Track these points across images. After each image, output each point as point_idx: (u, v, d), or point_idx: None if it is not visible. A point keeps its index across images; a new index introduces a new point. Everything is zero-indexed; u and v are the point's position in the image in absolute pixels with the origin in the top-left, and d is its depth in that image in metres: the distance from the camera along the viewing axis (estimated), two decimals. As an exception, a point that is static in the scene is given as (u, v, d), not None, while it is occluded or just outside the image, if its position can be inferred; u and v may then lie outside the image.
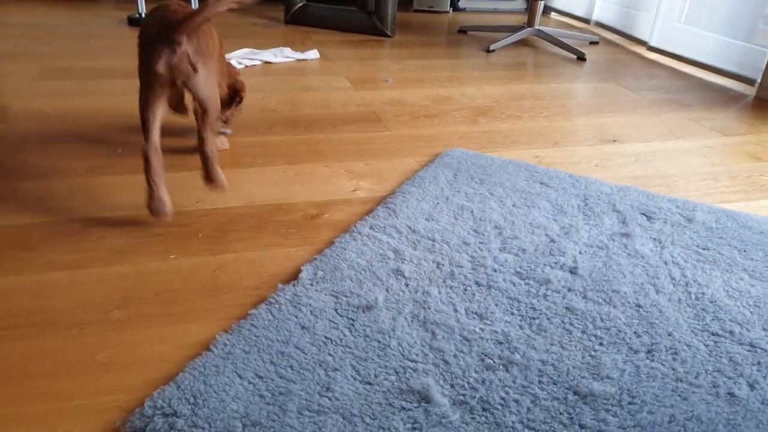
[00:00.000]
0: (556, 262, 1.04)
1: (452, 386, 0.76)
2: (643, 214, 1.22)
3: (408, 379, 0.77)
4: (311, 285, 0.94)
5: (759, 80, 2.20)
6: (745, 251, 1.10)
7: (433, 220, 1.15)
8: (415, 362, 0.80)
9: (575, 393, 0.76)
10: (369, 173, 1.37)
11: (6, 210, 1.11)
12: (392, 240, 1.07)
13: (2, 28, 2.45)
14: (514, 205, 1.23)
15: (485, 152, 1.51)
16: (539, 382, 0.78)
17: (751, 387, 0.79)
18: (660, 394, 0.77)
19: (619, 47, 2.87)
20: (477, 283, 0.97)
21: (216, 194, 1.22)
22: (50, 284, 0.92)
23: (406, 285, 0.95)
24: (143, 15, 2.62)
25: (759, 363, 0.83)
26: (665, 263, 1.05)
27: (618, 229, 1.15)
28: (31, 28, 2.48)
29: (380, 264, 1.00)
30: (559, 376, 0.79)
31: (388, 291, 0.93)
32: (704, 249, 1.10)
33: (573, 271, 1.01)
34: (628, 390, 0.77)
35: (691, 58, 2.58)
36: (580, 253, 1.07)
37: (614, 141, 1.65)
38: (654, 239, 1.13)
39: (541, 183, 1.33)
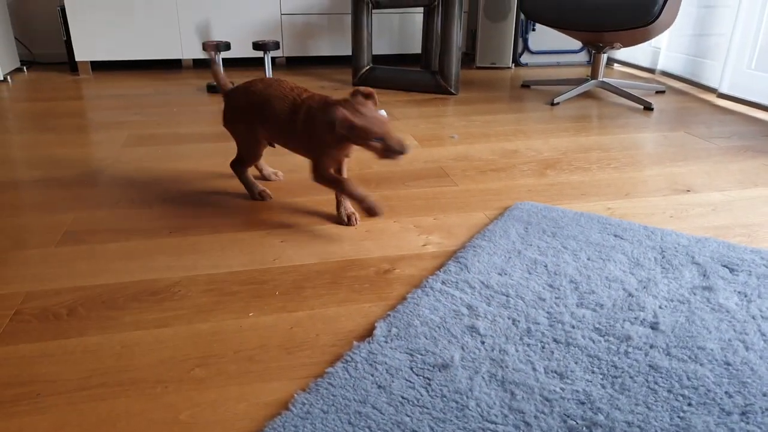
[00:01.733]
0: (636, 318, 1.01)
1: (534, 448, 0.75)
2: (725, 266, 1.17)
3: (488, 440, 0.76)
4: (386, 342, 0.95)
5: (843, 124, 2.10)
6: None
7: (506, 274, 1.15)
8: (495, 423, 0.79)
9: (664, 456, 0.73)
10: (438, 228, 1.39)
11: (97, 270, 1.20)
12: (465, 295, 1.07)
13: (96, 100, 2.69)
14: (588, 259, 1.21)
15: (555, 204, 1.51)
16: None
17: None
18: (757, 459, 0.73)
19: (687, 95, 2.82)
20: (555, 340, 0.95)
21: (294, 251, 1.27)
22: (135, 343, 0.97)
23: (482, 342, 0.95)
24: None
25: None
26: (753, 318, 1.00)
27: (699, 283, 1.11)
28: (121, 99, 2.71)
29: (454, 320, 1.00)
30: None
31: (463, 349, 0.93)
32: None
33: (654, 327, 0.98)
34: (721, 455, 0.73)
35: (764, 104, 2.50)
36: (660, 307, 1.04)
37: (688, 191, 1.61)
38: (739, 292, 1.08)
39: (615, 235, 1.31)
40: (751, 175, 1.72)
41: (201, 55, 3.29)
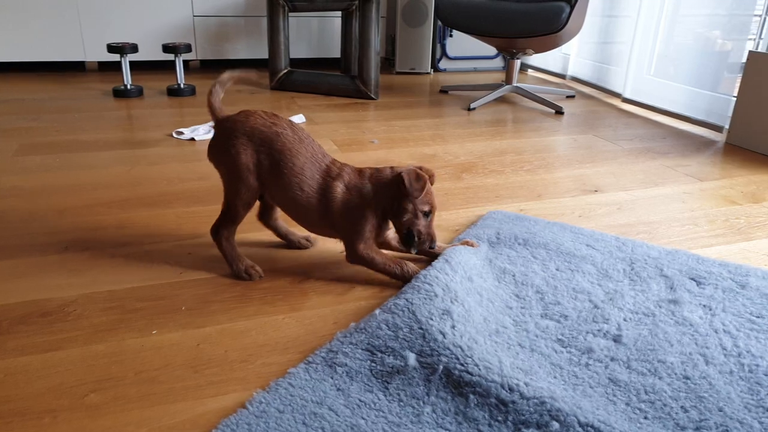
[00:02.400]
0: (599, 330, 1.00)
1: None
2: (693, 279, 1.17)
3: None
4: (345, 337, 0.94)
5: (727, 127, 2.26)
6: None
7: (482, 278, 1.14)
8: (449, 431, 0.78)
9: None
10: (355, 235, 1.36)
11: (-15, 289, 1.09)
12: (446, 277, 1.08)
13: (-12, 105, 2.48)
14: (557, 269, 1.20)
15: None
16: None
17: None
18: (711, 477, 0.72)
19: (595, 100, 2.95)
20: (520, 344, 0.95)
21: (202, 263, 1.20)
22: (20, 370, 0.88)
23: (453, 326, 0.94)
24: (128, 87, 2.67)
25: None
26: (716, 331, 1.00)
27: (665, 295, 1.11)
28: (16, 103, 2.52)
29: (425, 305, 0.99)
30: None
31: (425, 338, 0.92)
32: (758, 317, 1.04)
33: (617, 339, 0.97)
34: (673, 471, 0.72)
35: (663, 108, 2.66)
36: (625, 320, 1.03)
37: (596, 191, 1.67)
38: (704, 306, 1.08)
39: (587, 245, 1.30)
40: (652, 175, 1.81)
41: (106, 57, 3.12)
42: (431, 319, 0.95)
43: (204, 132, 2.11)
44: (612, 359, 0.92)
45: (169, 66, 3.43)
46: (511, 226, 1.39)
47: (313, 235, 1.30)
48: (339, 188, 1.12)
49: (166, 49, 2.66)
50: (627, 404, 0.83)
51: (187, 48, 2.69)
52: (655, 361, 0.93)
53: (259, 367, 0.90)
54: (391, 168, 1.15)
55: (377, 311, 1.00)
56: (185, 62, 3.44)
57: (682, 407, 0.83)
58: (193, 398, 0.84)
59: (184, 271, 1.18)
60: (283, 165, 1.11)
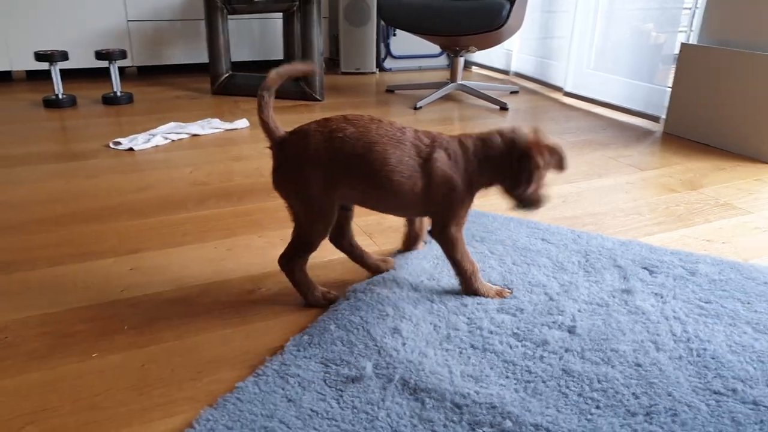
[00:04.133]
0: (554, 322, 1.01)
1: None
2: (645, 268, 1.20)
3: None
4: (298, 352, 0.92)
5: (664, 117, 2.34)
6: (748, 303, 1.07)
7: (434, 280, 1.14)
8: None
9: (568, 460, 0.72)
10: (305, 241, 1.33)
11: None
12: (393, 294, 1.08)
13: None
14: (513, 263, 1.21)
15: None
16: None
17: None
18: (659, 460, 0.73)
19: (538, 94, 3.00)
20: (473, 346, 0.94)
21: (145, 279, 1.15)
22: (-45, 401, 0.83)
23: (404, 344, 0.93)
24: (60, 96, 2.55)
25: (762, 422, 0.79)
26: (666, 319, 1.03)
27: (619, 285, 1.13)
28: (-62, 118, 2.37)
29: (377, 321, 0.98)
30: None
31: (380, 353, 0.92)
32: (707, 302, 1.08)
33: (571, 331, 0.98)
34: (625, 456, 0.73)
35: (602, 100, 2.73)
36: (579, 311, 1.04)
37: (544, 186, 1.69)
38: (655, 294, 1.11)
39: (543, 239, 1.31)
40: (595, 166, 1.85)
41: (35, 65, 2.97)
42: (385, 338, 0.95)
43: (143, 141, 2.03)
44: (566, 350, 0.94)
45: (104, 73, 3.30)
46: (469, 223, 1.39)
47: (390, 258, 1.20)
48: (438, 166, 0.99)
49: (99, 55, 2.56)
50: (579, 395, 0.84)
51: (122, 54, 2.59)
52: (608, 350, 0.94)
53: (208, 385, 0.86)
54: (500, 135, 1.02)
55: (332, 326, 0.98)
56: (121, 69, 3.32)
57: (633, 394, 0.84)
58: (139, 422, 0.79)
59: (126, 288, 1.12)
60: (361, 167, 0.97)
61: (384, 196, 1.00)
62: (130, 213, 1.47)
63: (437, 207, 1.02)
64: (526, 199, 1.04)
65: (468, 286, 1.08)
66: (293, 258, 1.05)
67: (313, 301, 1.07)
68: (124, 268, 1.19)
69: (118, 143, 2.01)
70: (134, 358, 0.92)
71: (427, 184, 0.99)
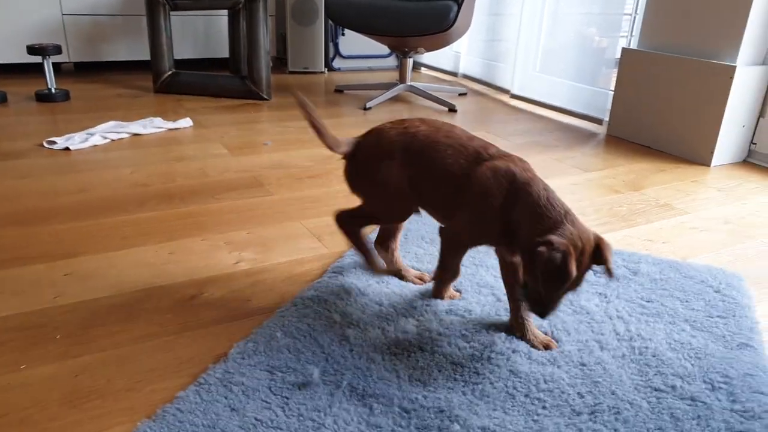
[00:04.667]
0: (502, 323, 1.01)
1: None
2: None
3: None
4: (242, 360, 0.89)
5: (606, 119, 2.41)
6: (687, 301, 1.10)
7: (383, 283, 1.12)
8: None
9: (516, 462, 0.72)
10: (252, 243, 1.30)
11: None
12: (341, 302, 1.05)
13: None
14: (462, 265, 1.18)
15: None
16: None
17: None
18: (602, 459, 0.74)
19: (485, 97, 3.04)
20: (421, 348, 0.93)
21: (80, 285, 1.09)
22: None
23: (351, 350, 0.92)
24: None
25: (699, 417, 0.81)
26: (610, 318, 1.04)
27: None
28: None
29: (324, 329, 0.94)
30: None
31: (327, 360, 0.89)
32: (648, 301, 1.10)
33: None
34: (570, 455, 0.74)
35: (548, 102, 2.78)
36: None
37: (492, 186, 1.71)
38: (600, 294, 1.12)
39: None
40: (542, 168, 1.88)
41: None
42: (332, 344, 0.93)
43: (80, 140, 1.94)
44: (513, 351, 0.94)
45: (38, 69, 3.14)
46: (418, 226, 1.39)
47: (427, 275, 1.16)
48: (482, 175, 0.92)
49: (32, 50, 2.43)
50: (526, 395, 0.85)
51: (57, 49, 2.47)
52: (554, 350, 0.95)
53: (148, 395, 0.82)
54: (527, 186, 0.89)
55: (279, 334, 0.95)
56: (56, 65, 3.17)
57: (578, 393, 0.85)
58: (72, 438, 0.75)
59: (60, 294, 1.06)
60: (421, 161, 0.97)
61: (434, 194, 0.99)
62: (66, 215, 1.39)
63: (463, 212, 0.96)
64: (530, 292, 0.87)
65: (437, 290, 1.08)
66: (355, 221, 1.07)
67: (377, 266, 1.08)
68: (57, 274, 1.13)
69: (53, 142, 1.91)
70: (67, 369, 0.87)
71: (463, 191, 0.94)
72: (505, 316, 1.03)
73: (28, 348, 0.91)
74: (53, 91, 2.51)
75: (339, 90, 3.05)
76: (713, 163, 1.98)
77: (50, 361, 0.89)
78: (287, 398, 0.81)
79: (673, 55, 2.05)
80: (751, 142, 2.03)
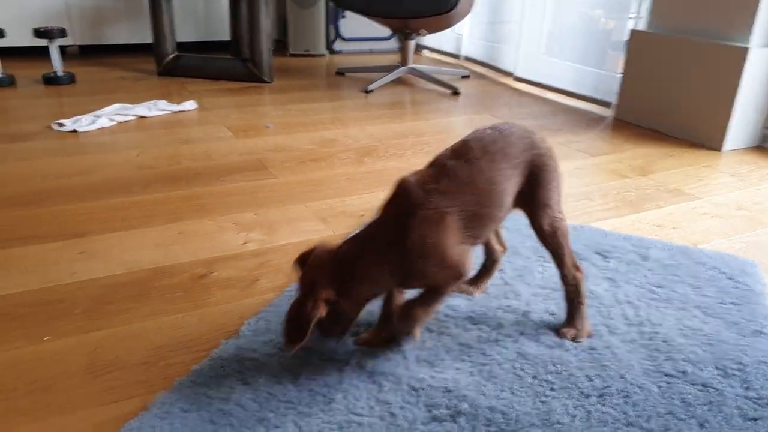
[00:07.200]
0: (509, 306, 1.02)
1: (398, 440, 0.74)
2: (598, 253, 1.20)
3: (352, 434, 0.74)
4: (254, 337, 0.91)
5: (614, 102, 2.40)
6: (698, 288, 1.09)
7: None
8: (361, 416, 0.77)
9: (524, 442, 0.74)
10: (258, 224, 1.33)
11: None
12: None
13: None
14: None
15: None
16: (486, 431, 0.76)
17: (701, 426, 0.77)
18: (611, 440, 0.75)
19: (488, 79, 3.04)
20: (428, 329, 0.95)
21: (95, 263, 1.13)
22: None
23: (357, 334, 0.93)
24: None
25: (710, 402, 0.81)
26: (619, 302, 1.04)
27: None
28: None
29: None
30: (507, 424, 0.77)
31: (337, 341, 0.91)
32: (659, 287, 1.09)
33: (526, 315, 1.00)
34: (578, 437, 0.75)
35: (553, 85, 2.78)
36: (533, 295, 1.05)
37: (493, 169, 1.73)
38: (608, 278, 1.12)
39: None
40: (543, 150, 1.90)
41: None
42: None
43: (87, 123, 1.96)
44: (521, 334, 0.95)
45: (44, 52, 3.15)
46: (422, 210, 1.40)
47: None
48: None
49: (39, 33, 2.44)
50: (534, 377, 0.85)
51: (62, 33, 2.49)
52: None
53: (163, 369, 0.86)
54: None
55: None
56: (62, 48, 3.18)
57: (587, 376, 0.86)
58: (93, 405, 0.78)
59: (75, 271, 1.10)
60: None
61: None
62: (75, 196, 1.42)
63: None
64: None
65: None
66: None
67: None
68: (73, 252, 1.16)
69: (62, 125, 1.93)
70: (86, 342, 0.91)
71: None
72: (513, 298, 1.06)
73: (49, 321, 0.95)
74: (59, 74, 2.52)
75: (340, 72, 3.05)
76: (725, 148, 1.94)
77: (71, 334, 0.92)
78: (298, 374, 0.84)
79: (684, 37, 2.02)
80: (765, 127, 1.99)
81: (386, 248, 0.80)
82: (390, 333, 0.90)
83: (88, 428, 0.75)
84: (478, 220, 0.85)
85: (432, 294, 0.84)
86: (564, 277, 0.96)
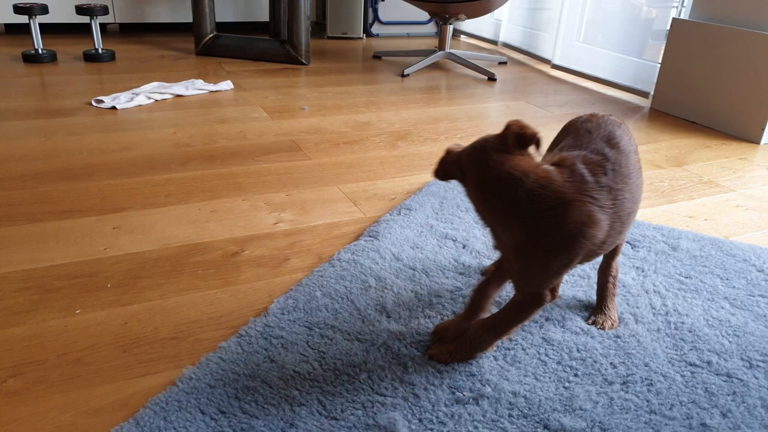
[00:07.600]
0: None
1: (420, 420, 0.74)
2: (628, 242, 1.20)
3: (375, 413, 0.75)
4: (282, 315, 0.93)
5: (652, 93, 2.34)
6: (727, 279, 1.09)
7: (417, 248, 1.15)
8: (384, 396, 0.78)
9: (545, 427, 0.74)
10: (291, 204, 1.33)
11: None
12: (375, 266, 1.07)
13: None
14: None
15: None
16: (509, 415, 0.76)
17: (724, 416, 0.77)
18: (632, 427, 0.75)
19: (525, 66, 2.99)
20: (454, 313, 0.95)
21: (128, 238, 1.15)
22: (-64, 354, 0.82)
23: (388, 316, 0.94)
24: (40, 51, 2.48)
25: (734, 393, 0.81)
26: (646, 292, 1.04)
27: (601, 258, 1.12)
28: None
29: (360, 292, 0.99)
30: (530, 408, 0.77)
31: (363, 322, 0.92)
32: (687, 277, 1.09)
33: (552, 301, 1.00)
34: (600, 423, 0.75)
35: (591, 74, 2.72)
36: (562, 282, 1.05)
37: (529, 157, 1.70)
38: (637, 268, 1.12)
39: None
40: (581, 140, 1.86)
41: (13, 18, 2.88)
42: (368, 308, 0.96)
43: (126, 100, 1.99)
44: (547, 319, 0.95)
45: (85, 29, 3.21)
46: (455, 193, 1.40)
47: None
48: None
49: (81, 10, 2.48)
50: (558, 363, 0.86)
51: (104, 10, 2.52)
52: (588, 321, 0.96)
53: (192, 344, 0.87)
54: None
55: (318, 293, 0.98)
56: (103, 26, 3.24)
57: (611, 363, 0.86)
58: (122, 379, 0.80)
59: (109, 246, 1.12)
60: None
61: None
62: (113, 172, 1.45)
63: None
64: None
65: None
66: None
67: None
68: (107, 227, 1.19)
69: (101, 101, 1.97)
70: (118, 316, 0.92)
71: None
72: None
73: (81, 294, 0.97)
74: (100, 51, 2.56)
75: (377, 56, 3.03)
76: (763, 140, 1.91)
77: (102, 307, 0.94)
78: (324, 353, 0.85)
79: (727, 26, 1.97)
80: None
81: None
82: (468, 347, 0.85)
83: (117, 401, 0.76)
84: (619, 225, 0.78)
85: (515, 314, 0.82)
86: (607, 267, 0.96)
